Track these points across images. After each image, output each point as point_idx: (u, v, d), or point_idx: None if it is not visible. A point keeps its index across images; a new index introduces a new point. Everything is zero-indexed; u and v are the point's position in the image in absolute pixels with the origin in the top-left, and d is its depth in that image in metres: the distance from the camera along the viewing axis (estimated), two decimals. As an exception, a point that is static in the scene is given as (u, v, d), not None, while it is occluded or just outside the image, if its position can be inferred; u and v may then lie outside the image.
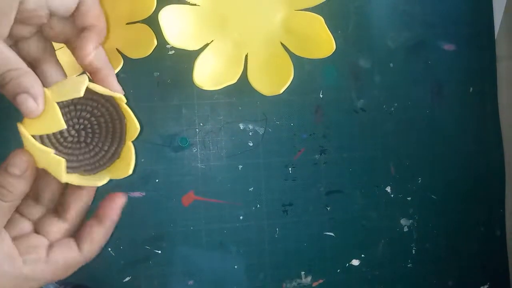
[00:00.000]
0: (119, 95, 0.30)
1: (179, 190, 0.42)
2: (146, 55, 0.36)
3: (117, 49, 0.38)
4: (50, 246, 0.28)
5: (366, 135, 0.44)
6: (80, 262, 0.29)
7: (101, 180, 0.30)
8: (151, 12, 0.36)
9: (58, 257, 0.28)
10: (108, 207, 0.30)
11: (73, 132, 0.29)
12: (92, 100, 0.30)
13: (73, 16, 0.29)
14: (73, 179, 0.28)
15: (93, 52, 0.29)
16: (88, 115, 0.30)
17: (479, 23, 0.45)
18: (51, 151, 0.27)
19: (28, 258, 0.27)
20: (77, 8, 0.29)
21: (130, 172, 0.30)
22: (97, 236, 0.29)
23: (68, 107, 0.29)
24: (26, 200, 0.28)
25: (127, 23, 0.38)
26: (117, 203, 0.31)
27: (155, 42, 0.36)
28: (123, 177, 0.30)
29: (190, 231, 0.42)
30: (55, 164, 0.27)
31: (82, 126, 0.30)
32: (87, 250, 0.29)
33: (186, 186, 0.42)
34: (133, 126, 0.31)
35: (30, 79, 0.25)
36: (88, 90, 0.28)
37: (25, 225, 0.29)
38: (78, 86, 0.27)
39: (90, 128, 0.30)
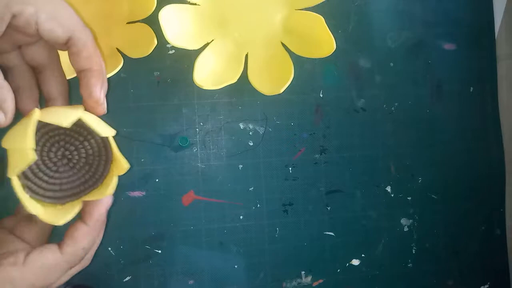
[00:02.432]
0: (109, 134, 0.30)
1: (179, 189, 0.42)
2: (146, 55, 0.36)
3: (117, 48, 0.38)
4: (29, 249, 0.28)
5: (367, 134, 0.44)
6: (63, 264, 0.28)
7: (68, 212, 0.29)
8: (151, 12, 0.36)
9: (37, 260, 0.27)
10: (93, 208, 0.29)
11: (54, 159, 0.29)
12: (81, 132, 0.30)
13: (70, 58, 0.29)
14: (38, 210, 0.28)
15: (101, 93, 0.30)
16: (74, 146, 0.30)
17: (479, 22, 0.45)
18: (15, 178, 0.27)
19: (5, 262, 0.26)
20: (69, 49, 0.29)
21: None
22: (80, 237, 0.28)
23: (53, 134, 0.29)
24: None
25: (127, 23, 0.38)
26: (103, 204, 0.30)
27: (155, 42, 0.36)
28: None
29: (190, 231, 0.42)
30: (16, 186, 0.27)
31: (65, 156, 0.30)
32: (70, 252, 0.28)
33: (186, 186, 0.42)
34: (120, 165, 0.30)
35: (2, 93, 0.26)
36: (79, 122, 0.28)
37: (2, 230, 0.28)
38: (68, 117, 0.27)
39: (73, 158, 0.30)
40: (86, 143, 0.30)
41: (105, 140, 0.30)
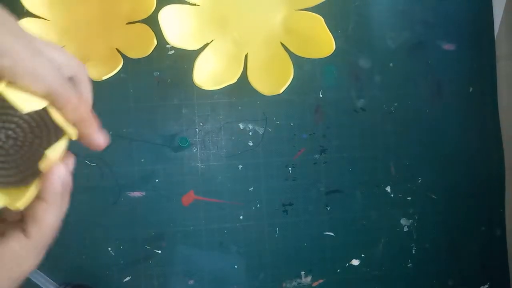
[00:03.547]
0: (70, 132, 0.28)
1: (179, 190, 0.42)
2: (146, 55, 0.36)
3: (117, 49, 0.38)
4: None
5: (366, 135, 0.44)
6: (31, 247, 0.26)
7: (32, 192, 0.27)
8: (151, 12, 0.36)
9: (3, 253, 0.25)
10: (46, 181, 0.27)
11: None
12: (37, 120, 0.28)
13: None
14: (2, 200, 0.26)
15: (102, 138, 0.30)
16: (14, 124, 0.28)
17: (479, 23, 0.45)
18: None
19: None
20: (52, 103, 0.27)
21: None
22: (42, 214, 0.27)
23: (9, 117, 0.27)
24: None
25: (127, 23, 0.39)
26: (54, 173, 0.27)
27: (155, 42, 0.36)
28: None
29: (190, 231, 0.42)
30: None
31: (9, 136, 0.28)
32: (35, 233, 0.26)
33: (186, 186, 0.42)
34: (67, 131, 0.28)
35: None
36: (40, 112, 0.27)
37: None
38: (30, 103, 0.25)
39: (18, 137, 0.28)
40: (25, 117, 0.28)
41: (41, 111, 0.28)
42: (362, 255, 0.44)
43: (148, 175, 0.41)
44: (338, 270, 0.44)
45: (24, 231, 0.26)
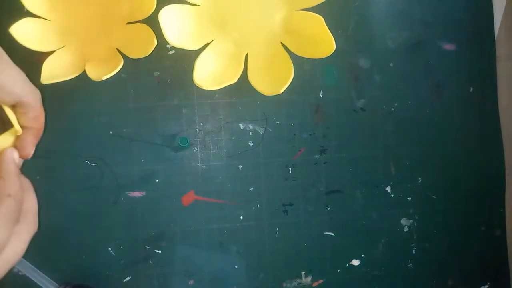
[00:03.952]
0: (18, 128, 0.31)
1: (179, 190, 0.42)
2: (146, 55, 0.36)
3: (117, 49, 0.38)
4: None
5: (366, 135, 0.44)
6: None
7: None
8: (151, 12, 0.36)
9: None
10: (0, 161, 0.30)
11: None
12: None
13: (16, 114, 0.32)
14: None
15: (32, 150, 0.33)
16: None
17: (479, 23, 0.45)
18: None
19: None
20: (17, 109, 0.31)
21: None
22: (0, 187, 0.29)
23: None
24: None
25: (127, 23, 0.38)
26: (7, 154, 0.31)
27: (155, 42, 0.36)
28: None
29: (190, 231, 0.42)
30: None
31: None
32: None
33: (186, 186, 0.42)
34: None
35: None
36: None
37: None
38: None
39: None
40: None
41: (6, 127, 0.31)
42: (362, 255, 0.44)
43: (148, 175, 0.41)
44: (338, 270, 0.44)
45: None
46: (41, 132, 0.34)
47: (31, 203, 0.31)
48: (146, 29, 0.37)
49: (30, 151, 0.33)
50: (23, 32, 0.36)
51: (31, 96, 0.31)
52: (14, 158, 0.31)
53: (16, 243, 0.29)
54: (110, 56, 0.38)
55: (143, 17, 0.37)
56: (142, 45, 0.37)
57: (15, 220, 0.29)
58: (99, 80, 0.35)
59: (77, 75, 0.36)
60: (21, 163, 0.32)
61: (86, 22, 0.39)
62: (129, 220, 0.41)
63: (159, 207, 0.41)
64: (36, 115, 0.32)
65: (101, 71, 0.36)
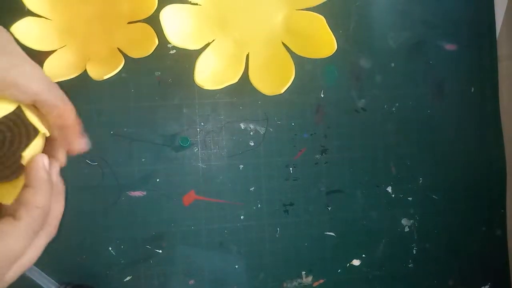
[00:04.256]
0: (44, 131, 0.29)
1: (180, 189, 0.42)
2: (147, 55, 0.36)
3: (118, 48, 0.38)
4: None
5: (367, 135, 0.44)
6: (20, 228, 0.27)
7: (17, 187, 0.28)
8: (153, 12, 0.36)
9: None
10: (29, 169, 0.28)
11: None
12: (15, 120, 0.29)
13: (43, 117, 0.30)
14: None
15: (62, 155, 0.31)
16: (2, 132, 0.29)
17: (480, 23, 0.45)
18: None
19: None
20: (40, 109, 0.29)
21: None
22: (29, 198, 0.27)
23: None
24: None
25: (128, 23, 0.38)
26: (36, 161, 0.28)
27: (156, 42, 0.36)
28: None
29: (191, 231, 0.42)
30: None
31: None
32: (24, 215, 0.27)
33: (187, 186, 0.42)
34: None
35: None
36: (17, 112, 0.28)
37: None
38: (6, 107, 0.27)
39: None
40: (2, 119, 0.29)
41: (17, 111, 0.29)
42: (363, 255, 0.44)
43: (148, 175, 0.41)
44: (339, 270, 0.44)
45: (13, 215, 0.27)
46: (75, 131, 0.31)
47: (58, 209, 0.30)
48: (147, 28, 0.37)
49: (78, 147, 0.31)
50: (24, 31, 0.36)
51: (50, 93, 0.29)
52: (45, 164, 0.29)
53: (33, 249, 0.28)
54: (111, 56, 0.38)
55: (144, 17, 0.37)
56: (143, 45, 0.37)
57: (39, 230, 0.28)
58: (100, 80, 0.35)
59: (77, 74, 0.36)
60: (58, 167, 0.30)
61: (87, 21, 0.39)
62: (129, 220, 0.41)
63: (159, 207, 0.41)
64: (60, 113, 0.29)
65: (102, 71, 0.36)
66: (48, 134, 0.30)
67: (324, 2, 0.38)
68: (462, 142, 0.45)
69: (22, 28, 0.36)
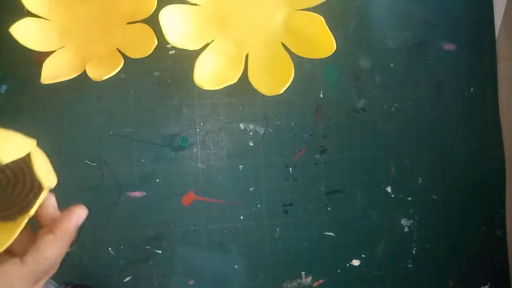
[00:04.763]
0: (48, 183, 0.29)
1: (180, 190, 0.42)
2: (147, 55, 0.36)
3: (117, 49, 0.38)
4: None
5: (367, 135, 0.44)
6: (25, 273, 0.27)
7: (17, 228, 0.28)
8: (152, 12, 0.36)
9: None
10: (64, 217, 0.29)
11: None
12: (19, 165, 0.30)
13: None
14: None
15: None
16: (7, 177, 0.30)
17: (479, 23, 0.45)
18: None
19: None
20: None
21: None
22: (44, 246, 0.28)
23: None
24: None
25: (128, 23, 0.38)
26: (75, 214, 0.30)
27: (156, 42, 0.36)
28: None
29: (191, 231, 0.42)
30: None
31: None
32: (31, 261, 0.27)
33: (186, 186, 0.42)
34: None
35: None
36: (25, 159, 0.28)
37: None
38: (9, 155, 0.27)
39: (3, 178, 0.30)
40: (9, 164, 0.29)
41: (25, 158, 0.29)
42: (363, 256, 0.44)
43: (148, 175, 0.41)
44: (339, 271, 0.44)
45: (21, 258, 0.27)
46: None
47: (63, 253, 0.30)
48: (147, 29, 0.37)
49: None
50: (23, 32, 0.36)
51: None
52: (79, 219, 0.30)
53: None
54: (110, 56, 0.38)
55: (144, 17, 0.37)
56: (143, 45, 0.37)
57: (43, 278, 0.28)
58: (100, 80, 0.35)
59: (77, 75, 0.36)
60: (82, 220, 0.31)
61: (86, 22, 0.39)
62: (129, 220, 0.41)
63: (159, 207, 0.41)
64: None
65: (101, 71, 0.36)
66: (51, 186, 0.30)
67: (323, 2, 0.38)
68: (462, 142, 0.45)
69: (22, 29, 0.36)
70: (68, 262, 0.40)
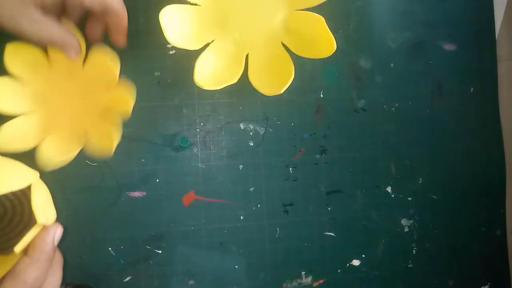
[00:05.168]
0: (42, 219, 0.28)
1: (180, 190, 0.42)
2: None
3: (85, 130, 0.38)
4: None
5: (367, 135, 0.44)
6: None
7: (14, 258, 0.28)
8: (128, 110, 0.36)
9: None
10: (39, 237, 0.28)
11: None
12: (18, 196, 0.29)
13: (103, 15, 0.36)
14: None
15: (125, 40, 0.37)
16: (5, 209, 0.29)
17: (479, 23, 0.45)
18: None
19: None
20: (104, 11, 0.34)
21: None
22: (21, 270, 0.27)
23: None
24: None
25: (100, 116, 0.38)
26: (50, 233, 0.29)
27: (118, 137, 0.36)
28: None
29: (191, 231, 0.42)
30: None
31: None
32: (9, 286, 0.26)
33: (186, 186, 0.42)
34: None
35: (70, 38, 0.34)
36: (25, 191, 0.28)
37: None
38: (8, 186, 0.27)
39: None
40: (9, 196, 0.29)
41: (26, 190, 0.29)
42: (363, 255, 0.44)
43: (148, 175, 0.41)
44: (339, 270, 0.44)
45: (2, 284, 0.26)
46: (125, 27, 0.36)
47: (54, 282, 0.30)
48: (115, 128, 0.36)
49: (123, 42, 0.37)
50: None
51: (116, 1, 0.34)
52: (55, 238, 0.29)
53: None
54: (71, 138, 0.37)
55: (120, 113, 0.37)
56: (106, 142, 0.36)
57: None
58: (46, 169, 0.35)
59: (30, 148, 0.35)
60: (58, 238, 0.30)
61: (64, 110, 0.38)
62: (129, 220, 0.41)
63: (159, 207, 0.41)
64: (119, 16, 0.35)
65: (56, 152, 0.36)
66: (47, 224, 0.29)
67: (324, 2, 0.38)
68: (462, 142, 0.45)
69: None
70: (68, 262, 0.40)
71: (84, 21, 0.37)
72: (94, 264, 0.41)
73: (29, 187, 0.28)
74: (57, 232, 0.29)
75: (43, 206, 0.29)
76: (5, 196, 0.30)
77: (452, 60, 0.45)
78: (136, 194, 0.41)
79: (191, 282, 0.42)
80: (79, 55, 0.35)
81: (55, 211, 0.31)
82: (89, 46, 0.36)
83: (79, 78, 0.37)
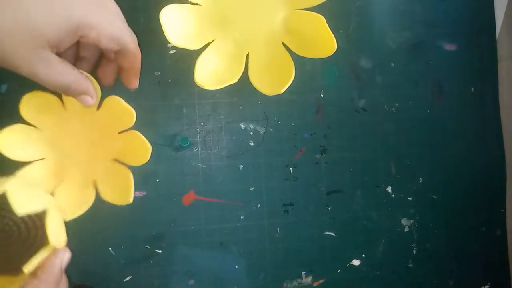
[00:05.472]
0: (54, 242, 0.29)
1: (180, 189, 0.41)
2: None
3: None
4: None
5: (367, 135, 0.44)
6: None
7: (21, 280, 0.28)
8: (146, 159, 0.36)
9: None
10: (47, 260, 0.29)
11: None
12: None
13: (116, 56, 0.35)
14: None
15: (137, 82, 0.38)
16: (8, 219, 0.30)
17: (480, 22, 0.45)
18: None
19: None
20: (119, 52, 0.34)
21: None
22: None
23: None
24: None
25: (110, 163, 0.38)
26: (59, 256, 0.29)
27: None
28: None
29: (191, 231, 0.42)
30: None
31: (3, 230, 0.30)
32: None
33: (186, 186, 0.42)
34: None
35: (85, 83, 0.33)
36: (40, 215, 0.28)
37: None
38: (25, 209, 0.27)
39: (10, 230, 0.30)
40: (24, 218, 0.30)
41: (41, 214, 0.30)
42: (363, 255, 0.44)
43: (148, 175, 0.41)
44: (339, 270, 0.44)
45: None
46: (139, 68, 0.36)
47: None
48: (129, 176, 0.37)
49: (135, 84, 0.37)
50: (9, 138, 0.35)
51: (131, 43, 0.33)
52: (64, 261, 0.30)
53: None
54: (83, 190, 0.37)
55: (133, 164, 0.37)
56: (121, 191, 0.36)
57: None
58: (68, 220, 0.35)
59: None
60: (66, 262, 0.31)
61: (77, 156, 0.38)
62: (129, 220, 0.41)
63: (159, 207, 0.41)
64: (133, 58, 0.35)
65: (69, 204, 0.36)
66: (58, 247, 0.30)
67: (324, 2, 0.38)
68: (462, 142, 0.45)
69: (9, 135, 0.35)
70: (68, 262, 0.40)
71: (95, 66, 0.37)
72: (94, 264, 0.41)
73: (44, 212, 0.29)
74: (66, 256, 0.30)
75: (57, 231, 0.30)
76: (21, 218, 0.30)
77: (453, 60, 0.45)
78: (136, 194, 0.41)
79: (191, 282, 0.42)
80: (95, 102, 0.34)
81: (66, 236, 0.31)
82: (102, 91, 0.36)
83: (93, 123, 0.37)
